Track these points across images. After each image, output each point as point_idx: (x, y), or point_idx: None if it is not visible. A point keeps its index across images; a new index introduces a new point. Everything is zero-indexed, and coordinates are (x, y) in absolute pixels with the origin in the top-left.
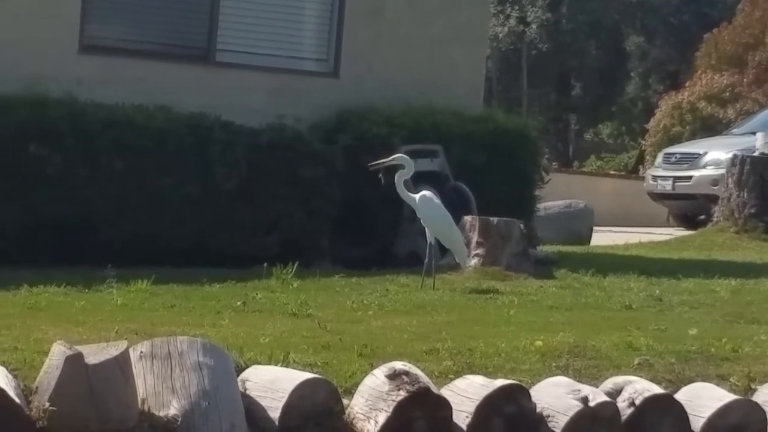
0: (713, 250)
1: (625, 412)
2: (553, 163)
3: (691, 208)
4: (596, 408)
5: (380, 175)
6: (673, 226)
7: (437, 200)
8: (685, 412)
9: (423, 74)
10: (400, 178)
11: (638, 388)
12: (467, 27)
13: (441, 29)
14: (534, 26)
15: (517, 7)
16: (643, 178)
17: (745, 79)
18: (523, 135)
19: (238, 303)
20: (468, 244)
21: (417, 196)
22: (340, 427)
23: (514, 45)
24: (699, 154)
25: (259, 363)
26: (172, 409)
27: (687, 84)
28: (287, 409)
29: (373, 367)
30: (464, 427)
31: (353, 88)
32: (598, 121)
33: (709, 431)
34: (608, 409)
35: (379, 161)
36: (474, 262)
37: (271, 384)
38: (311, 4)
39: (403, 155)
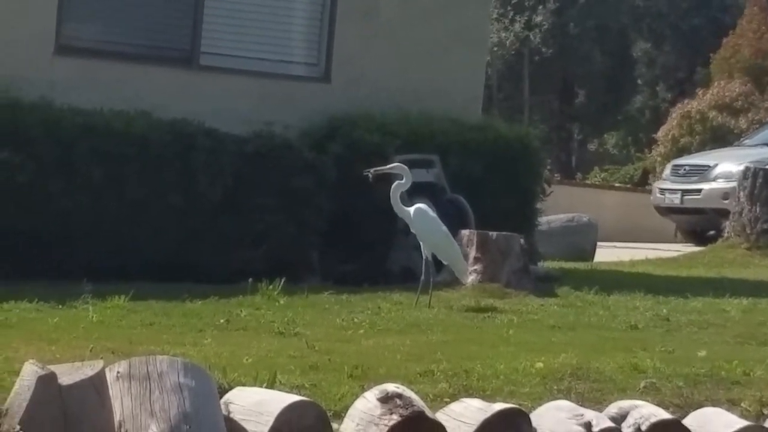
0: (723, 268)
1: None
2: (556, 175)
3: (700, 223)
4: None
5: (371, 179)
6: (681, 242)
7: (432, 213)
8: None
9: (419, 79)
10: (396, 191)
11: (644, 413)
12: (467, 29)
13: (439, 31)
14: (539, 30)
15: (526, 12)
16: (649, 191)
17: None
18: (524, 145)
19: (221, 321)
20: (465, 259)
21: (411, 210)
22: None
23: (516, 51)
24: (709, 166)
25: (244, 384)
26: None
27: (700, 92)
28: None
29: (364, 389)
30: None
31: (345, 93)
32: (602, 131)
33: None
34: None
35: (376, 168)
36: (471, 278)
37: (257, 407)
38: (300, 5)
39: (403, 165)
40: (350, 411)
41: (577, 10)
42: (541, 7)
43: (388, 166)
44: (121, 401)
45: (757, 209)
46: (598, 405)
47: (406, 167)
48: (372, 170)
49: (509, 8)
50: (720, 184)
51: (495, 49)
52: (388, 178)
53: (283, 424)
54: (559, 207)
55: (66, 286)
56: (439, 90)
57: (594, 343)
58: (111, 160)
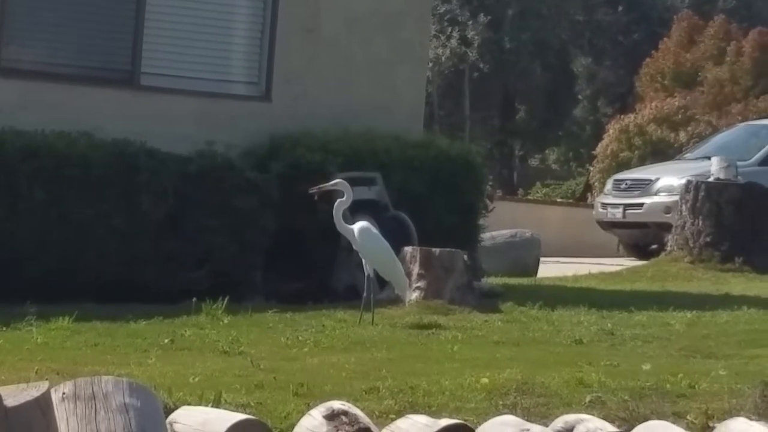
0: (667, 281)
1: None
2: (498, 191)
3: (642, 237)
4: None
5: (316, 198)
6: (624, 256)
7: (375, 231)
8: None
9: (361, 97)
10: (338, 209)
11: (590, 426)
12: (408, 47)
13: (381, 49)
14: (475, 46)
15: (457, 28)
16: (591, 206)
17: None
18: (466, 161)
19: (166, 340)
20: (409, 276)
21: (354, 228)
22: None
23: (456, 67)
24: (651, 180)
25: (189, 404)
26: None
27: (636, 108)
28: None
29: (309, 407)
30: None
31: (287, 112)
32: (544, 147)
33: None
34: None
35: (318, 186)
36: (415, 295)
37: (202, 426)
38: (241, 23)
39: (344, 182)
40: (296, 429)
41: (510, 25)
42: (471, 22)
43: (330, 183)
44: (66, 422)
45: (700, 222)
46: (544, 419)
47: (347, 183)
48: (315, 188)
49: (446, 23)
50: (662, 198)
51: (430, 65)
52: (331, 197)
53: None
54: (502, 223)
55: (10, 307)
56: (381, 107)
57: (539, 358)
58: (53, 181)
